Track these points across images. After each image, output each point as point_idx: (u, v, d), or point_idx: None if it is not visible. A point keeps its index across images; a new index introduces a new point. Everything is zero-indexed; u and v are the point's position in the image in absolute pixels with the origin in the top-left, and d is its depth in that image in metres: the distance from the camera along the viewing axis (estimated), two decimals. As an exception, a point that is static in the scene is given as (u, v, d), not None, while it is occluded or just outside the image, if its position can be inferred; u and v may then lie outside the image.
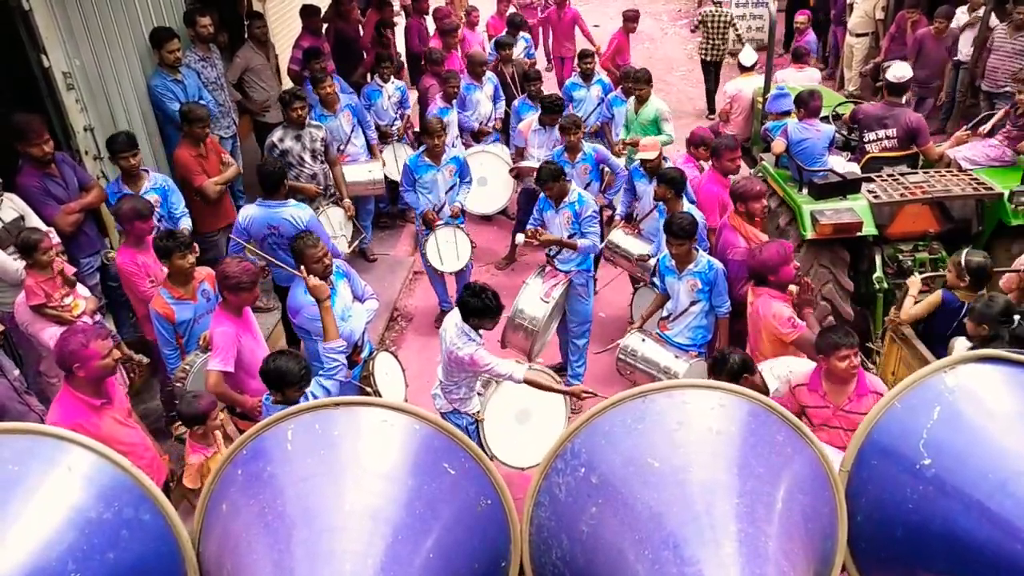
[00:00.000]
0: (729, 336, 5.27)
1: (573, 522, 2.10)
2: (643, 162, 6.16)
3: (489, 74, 8.40)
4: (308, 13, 8.43)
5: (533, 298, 5.63)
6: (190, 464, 4.16)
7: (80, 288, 4.82)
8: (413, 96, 9.20)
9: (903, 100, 6.46)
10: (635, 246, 6.28)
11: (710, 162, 6.17)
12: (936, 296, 4.76)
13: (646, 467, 2.07)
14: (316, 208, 6.66)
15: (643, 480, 2.05)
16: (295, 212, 5.50)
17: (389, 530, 1.91)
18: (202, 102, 6.61)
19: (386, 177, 7.62)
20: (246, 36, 7.81)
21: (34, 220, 4.94)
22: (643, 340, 5.29)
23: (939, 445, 2.18)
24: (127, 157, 5.32)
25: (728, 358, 4.01)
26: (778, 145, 6.40)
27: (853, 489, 2.31)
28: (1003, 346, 4.08)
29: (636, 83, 7.29)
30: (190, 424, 4.16)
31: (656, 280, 5.48)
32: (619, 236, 6.41)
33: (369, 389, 4.88)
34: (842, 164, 6.28)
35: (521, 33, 9.89)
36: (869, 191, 5.91)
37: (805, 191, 6.03)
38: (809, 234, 5.69)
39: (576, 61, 8.55)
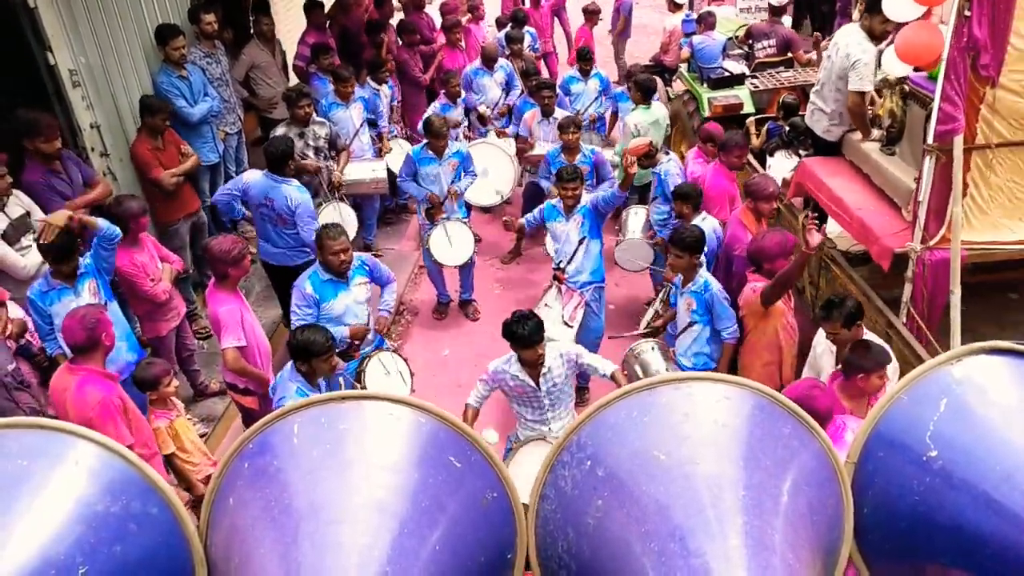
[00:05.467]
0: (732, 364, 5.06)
1: (579, 515, 2.10)
2: (639, 159, 6.23)
3: (504, 63, 8.51)
4: (313, 8, 8.44)
5: (556, 323, 5.49)
6: (157, 430, 4.25)
7: (12, 308, 4.63)
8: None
9: (782, 20, 9.17)
10: (634, 229, 6.45)
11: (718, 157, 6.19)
12: (765, 127, 7.39)
13: (652, 460, 2.07)
14: (319, 204, 6.68)
15: (649, 473, 2.05)
16: (292, 192, 5.57)
17: (395, 523, 1.92)
18: (207, 98, 6.63)
19: (388, 171, 7.65)
20: (252, 33, 7.82)
21: (40, 216, 4.96)
22: (652, 348, 5.23)
23: (946, 437, 2.17)
24: (61, 265, 4.50)
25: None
26: (684, 52, 9.20)
27: (859, 481, 2.30)
28: (782, 145, 6.90)
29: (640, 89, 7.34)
30: (143, 389, 4.25)
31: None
32: (631, 214, 6.60)
33: (358, 385, 4.93)
34: (734, 66, 8.65)
35: (526, 28, 9.99)
36: (751, 83, 8.30)
37: (705, 85, 8.38)
38: (706, 113, 8.17)
39: (576, 58, 8.69)
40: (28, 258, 4.85)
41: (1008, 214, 4.55)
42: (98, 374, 3.99)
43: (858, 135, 5.62)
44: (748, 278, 4.82)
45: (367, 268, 5.12)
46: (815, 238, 4.40)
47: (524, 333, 4.23)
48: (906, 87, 5.13)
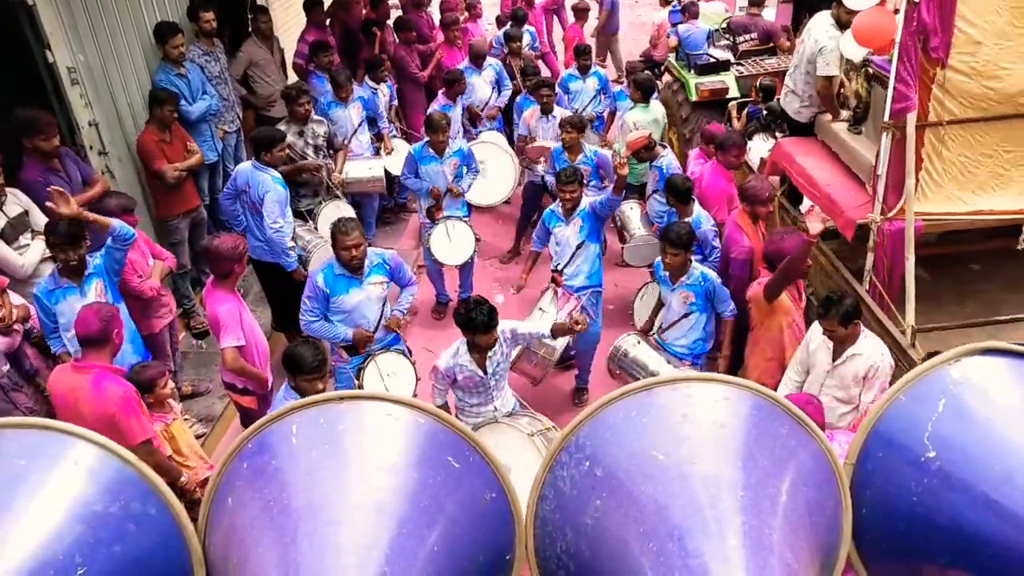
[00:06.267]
0: (734, 339, 5.16)
1: (577, 515, 2.10)
2: (637, 152, 6.25)
3: (493, 61, 8.47)
4: (312, 6, 8.42)
5: (548, 328, 5.45)
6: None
7: (13, 298, 4.61)
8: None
9: (762, 14, 9.40)
10: (636, 224, 6.46)
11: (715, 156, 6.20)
12: (745, 110, 7.64)
13: (650, 460, 2.07)
14: (319, 203, 6.67)
15: (647, 473, 2.05)
16: (266, 181, 5.59)
17: (394, 523, 1.92)
18: (206, 96, 6.62)
19: (385, 171, 7.63)
20: (250, 31, 7.80)
21: (38, 215, 4.95)
22: (637, 343, 5.20)
23: (944, 438, 2.18)
24: (68, 253, 4.44)
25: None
26: (672, 41, 9.65)
27: (858, 482, 2.30)
28: (760, 128, 7.16)
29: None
30: (140, 392, 4.20)
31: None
32: (627, 209, 6.61)
33: (357, 382, 4.90)
34: (720, 53, 8.99)
35: (526, 26, 9.98)
36: (737, 69, 8.65)
37: (692, 71, 8.69)
38: (693, 97, 8.44)
39: (574, 55, 8.68)
40: (26, 256, 4.84)
41: (961, 187, 4.83)
42: (110, 370, 3.97)
43: (829, 116, 5.98)
44: (761, 274, 4.85)
45: (387, 268, 5.08)
46: (816, 226, 4.44)
47: (484, 319, 4.28)
48: (870, 70, 5.40)
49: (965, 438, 2.16)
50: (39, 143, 4.95)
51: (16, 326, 4.50)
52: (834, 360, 4.27)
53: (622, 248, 6.68)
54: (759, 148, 6.99)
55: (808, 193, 5.67)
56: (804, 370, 4.50)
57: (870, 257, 4.94)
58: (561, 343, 5.39)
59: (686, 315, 5.07)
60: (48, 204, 4.31)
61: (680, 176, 5.84)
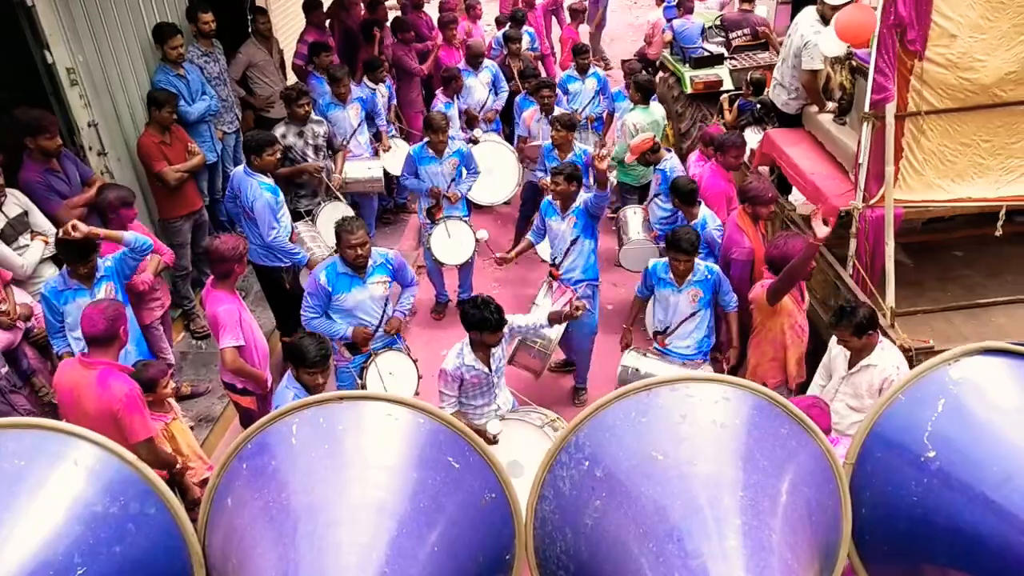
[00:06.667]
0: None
1: (577, 515, 2.10)
2: (642, 155, 6.24)
3: (489, 63, 8.47)
4: (311, 7, 8.41)
5: (545, 318, 5.45)
6: None
7: (19, 295, 4.68)
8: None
9: (751, 8, 9.55)
10: (635, 228, 6.45)
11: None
12: (736, 103, 7.82)
13: (650, 460, 2.07)
14: (318, 203, 6.68)
15: (647, 473, 2.05)
16: (255, 187, 5.58)
17: (394, 523, 1.92)
18: (205, 97, 6.62)
19: (385, 172, 7.63)
20: (249, 31, 7.80)
21: (38, 215, 4.95)
22: (644, 355, 5.19)
23: (944, 438, 2.18)
24: (78, 266, 4.49)
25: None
26: (667, 35, 9.85)
27: (857, 482, 2.30)
28: (753, 122, 7.35)
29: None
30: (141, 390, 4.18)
31: (642, 287, 5.37)
32: (630, 213, 6.58)
33: (359, 382, 4.91)
34: (713, 47, 9.29)
35: (525, 27, 9.98)
36: (731, 63, 8.96)
37: (687, 65, 9.03)
38: (688, 89, 8.79)
39: (572, 55, 8.70)
40: (26, 257, 4.84)
41: (941, 175, 4.97)
42: (117, 367, 3.97)
43: (815, 108, 6.18)
44: (763, 275, 4.85)
45: (390, 268, 5.10)
46: (822, 229, 4.43)
47: (496, 318, 4.34)
48: (854, 63, 5.54)
49: (965, 438, 2.16)
50: (43, 143, 4.95)
51: (18, 323, 4.51)
52: (850, 368, 4.28)
53: (618, 251, 6.68)
54: (750, 140, 7.09)
55: (796, 182, 5.82)
56: (828, 375, 4.52)
57: (853, 243, 5.06)
58: (557, 333, 5.41)
59: (692, 314, 5.07)
60: (62, 234, 4.35)
61: (684, 178, 5.83)
